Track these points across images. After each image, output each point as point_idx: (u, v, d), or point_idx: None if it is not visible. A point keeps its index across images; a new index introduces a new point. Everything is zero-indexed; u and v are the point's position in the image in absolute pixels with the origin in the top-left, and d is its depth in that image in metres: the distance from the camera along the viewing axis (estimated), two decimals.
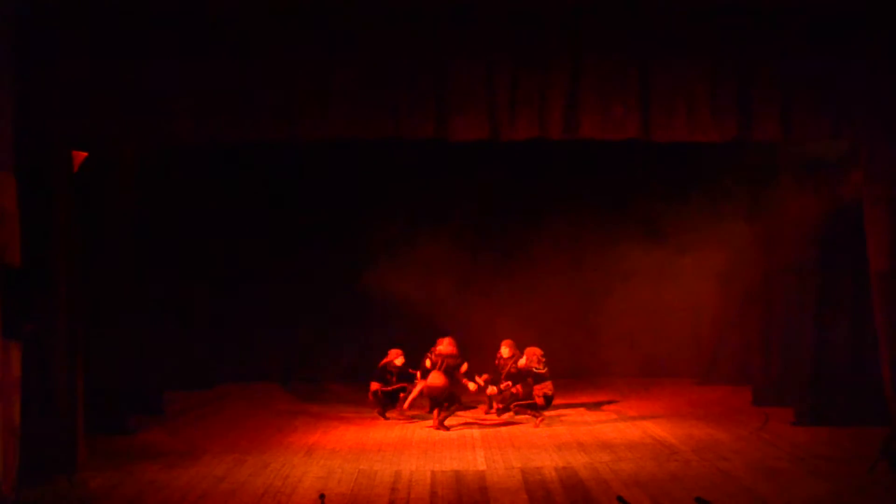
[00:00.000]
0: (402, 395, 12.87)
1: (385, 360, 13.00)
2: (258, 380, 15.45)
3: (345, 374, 15.72)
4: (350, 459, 10.47)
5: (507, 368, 12.68)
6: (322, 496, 8.43)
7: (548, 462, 10.23)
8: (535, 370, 12.32)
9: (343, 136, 10.31)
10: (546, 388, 12.41)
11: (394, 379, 12.92)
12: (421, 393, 12.44)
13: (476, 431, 12.14)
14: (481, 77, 10.09)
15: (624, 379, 15.77)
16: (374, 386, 12.99)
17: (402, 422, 12.71)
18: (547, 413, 12.69)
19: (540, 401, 12.41)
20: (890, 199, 10.04)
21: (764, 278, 13.83)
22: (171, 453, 10.76)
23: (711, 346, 15.60)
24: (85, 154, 10.14)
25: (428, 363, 12.44)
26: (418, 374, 12.70)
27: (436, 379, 12.17)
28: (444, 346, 12.38)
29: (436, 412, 12.27)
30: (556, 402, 13.38)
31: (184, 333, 14.48)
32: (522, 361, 12.49)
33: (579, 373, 15.76)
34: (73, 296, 9.86)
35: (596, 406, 13.91)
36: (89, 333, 10.43)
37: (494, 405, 12.94)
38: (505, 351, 12.87)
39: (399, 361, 12.96)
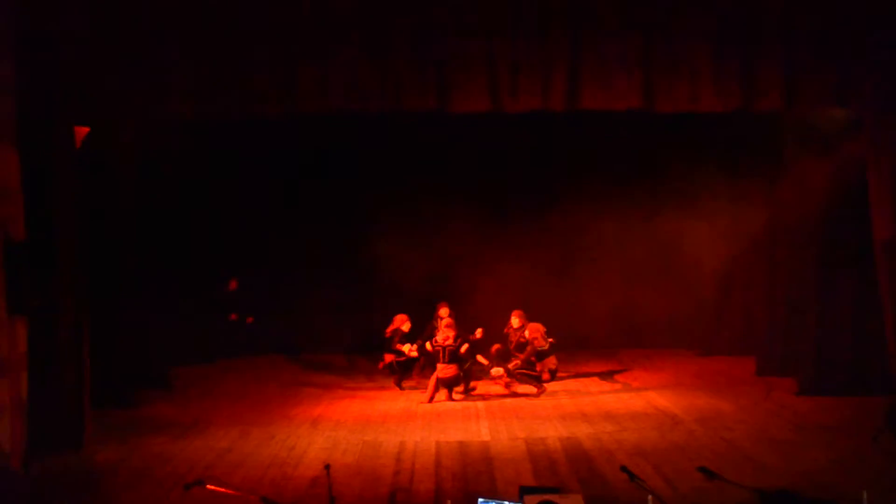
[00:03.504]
0: (417, 366, 12.90)
1: (392, 327, 13.05)
2: (263, 353, 15.49)
3: (349, 346, 15.79)
4: (355, 431, 10.53)
5: (516, 339, 12.79)
6: (327, 467, 8.40)
7: (552, 432, 10.28)
8: (539, 348, 12.43)
9: (344, 110, 10.29)
10: (550, 363, 12.51)
11: (401, 347, 12.91)
12: (437, 383, 12.44)
13: (480, 403, 12.19)
14: (482, 49, 10.04)
15: (627, 350, 15.82)
16: (389, 357, 13.03)
17: (407, 392, 12.76)
18: (551, 384, 12.75)
19: (546, 376, 12.52)
20: (893, 168, 10.02)
21: (767, 249, 13.82)
22: (177, 426, 10.84)
23: (715, 316, 15.61)
24: (87, 129, 10.13)
25: (429, 346, 12.51)
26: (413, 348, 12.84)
27: (445, 371, 12.25)
28: (442, 333, 12.39)
29: (446, 392, 12.34)
30: (561, 372, 13.47)
31: (188, 308, 14.49)
32: (527, 334, 12.63)
33: (583, 344, 15.78)
34: (78, 271, 9.89)
35: (600, 377, 13.94)
36: (94, 308, 10.46)
37: (504, 379, 13.01)
38: (515, 321, 13.00)
39: (406, 327, 13.01)
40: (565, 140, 15.14)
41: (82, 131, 10.12)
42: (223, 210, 15.33)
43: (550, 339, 12.58)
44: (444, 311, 12.86)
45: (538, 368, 12.63)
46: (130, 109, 10.10)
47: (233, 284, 15.48)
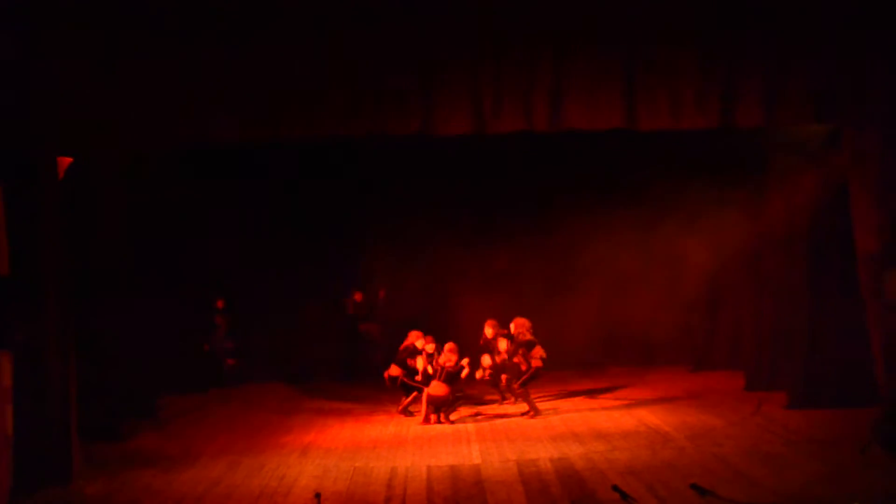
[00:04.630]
0: (414, 393, 12.70)
1: (406, 343, 12.87)
2: (252, 381, 15.42)
3: (338, 372, 15.74)
4: (345, 458, 10.47)
5: (500, 355, 12.69)
6: (318, 495, 8.43)
7: (543, 454, 10.25)
8: (524, 340, 12.38)
9: (329, 135, 10.31)
10: (538, 352, 12.46)
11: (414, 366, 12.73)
12: (428, 400, 12.37)
13: (471, 425, 12.15)
14: (465, 71, 10.07)
15: (617, 367, 15.84)
16: (396, 371, 12.86)
17: (398, 417, 12.73)
18: (542, 404, 12.73)
19: (538, 363, 12.39)
20: (875, 181, 10.08)
21: (755, 262, 13.88)
22: (166, 458, 10.74)
23: (704, 333, 15.64)
24: (70, 160, 10.10)
25: (430, 370, 12.46)
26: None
27: (438, 389, 12.25)
28: (444, 355, 12.37)
29: (433, 413, 12.29)
30: (551, 391, 13.48)
31: (175, 337, 14.42)
32: (511, 328, 12.56)
33: (572, 362, 15.78)
34: (63, 304, 9.81)
35: (590, 395, 13.92)
36: (81, 339, 10.38)
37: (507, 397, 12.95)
38: (488, 331, 12.93)
39: (420, 344, 12.72)
40: (554, 156, 15.15)
41: (64, 161, 10.08)
42: (214, 236, 15.29)
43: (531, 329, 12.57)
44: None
45: (533, 354, 12.44)
46: (116, 139, 10.07)
47: (358, 296, 15.39)
